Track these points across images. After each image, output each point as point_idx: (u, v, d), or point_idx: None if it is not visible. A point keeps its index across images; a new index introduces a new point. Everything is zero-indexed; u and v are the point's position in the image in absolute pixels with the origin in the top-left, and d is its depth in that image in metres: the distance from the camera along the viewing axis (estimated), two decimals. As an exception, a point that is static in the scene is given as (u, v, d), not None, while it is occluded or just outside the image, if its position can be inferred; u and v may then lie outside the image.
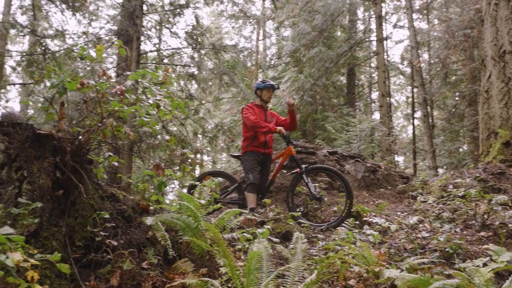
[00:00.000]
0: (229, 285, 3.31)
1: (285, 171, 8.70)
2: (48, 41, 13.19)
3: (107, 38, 14.71)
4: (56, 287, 2.71)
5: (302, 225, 6.29)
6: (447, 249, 4.46)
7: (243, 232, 4.64)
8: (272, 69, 22.83)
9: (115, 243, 3.32)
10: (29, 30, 12.08)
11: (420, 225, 5.89)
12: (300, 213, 6.74)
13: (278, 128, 6.83)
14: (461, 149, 21.20)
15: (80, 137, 3.81)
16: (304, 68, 18.43)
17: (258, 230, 4.70)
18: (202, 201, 4.54)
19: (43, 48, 12.19)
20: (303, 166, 6.91)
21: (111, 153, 4.74)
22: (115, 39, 14.13)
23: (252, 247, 3.59)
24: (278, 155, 7.32)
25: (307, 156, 9.77)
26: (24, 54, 12.59)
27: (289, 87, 17.63)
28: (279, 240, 5.19)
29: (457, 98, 21.81)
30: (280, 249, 4.31)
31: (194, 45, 15.99)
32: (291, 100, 7.07)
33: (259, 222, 5.88)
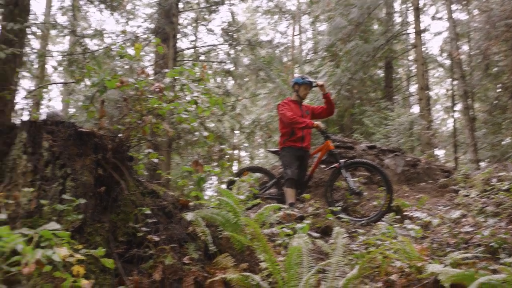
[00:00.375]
0: (270, 280, 3.31)
1: (323, 166, 8.65)
2: (87, 40, 13.43)
3: (144, 36, 14.90)
4: (101, 282, 2.76)
5: (342, 220, 6.24)
6: (491, 244, 4.35)
7: (282, 227, 4.64)
8: (308, 64, 22.69)
9: (157, 239, 3.36)
10: (69, 30, 12.33)
11: (463, 220, 5.77)
12: (339, 208, 6.70)
13: (316, 123, 6.79)
14: (503, 142, 20.65)
15: (121, 134, 3.86)
16: (341, 62, 18.27)
17: (297, 225, 4.69)
18: (241, 197, 4.55)
19: (82, 47, 12.42)
20: (342, 160, 6.86)
21: (151, 150, 4.79)
22: (153, 37, 14.30)
23: (292, 242, 3.57)
24: (316, 150, 7.28)
25: (345, 151, 9.70)
26: (65, 54, 12.86)
27: (325, 82, 17.50)
28: (319, 235, 5.17)
29: (499, 90, 21.22)
30: (320, 244, 4.28)
31: (230, 41, 16.05)
32: (319, 82, 7.06)
33: (298, 217, 5.87)
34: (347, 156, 9.31)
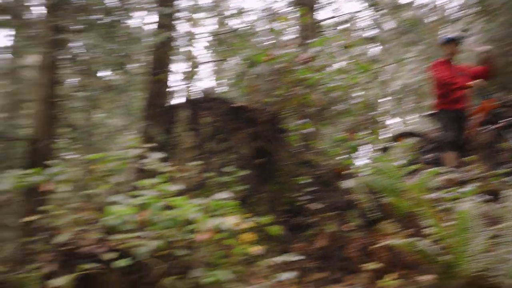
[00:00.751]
0: (438, 245, 3.17)
1: (484, 127, 8.12)
2: (231, 20, 13.83)
3: (284, 10, 14.95)
4: (268, 248, 2.84)
5: (509, 183, 5.81)
6: None
7: (446, 192, 4.42)
8: (458, 22, 21.29)
9: (317, 207, 3.37)
10: (213, 11, 12.79)
11: None
12: (505, 170, 6.24)
13: (471, 82, 6.36)
14: None
15: (272, 107, 3.92)
16: (494, 17, 16.87)
17: (461, 189, 4.44)
18: (399, 163, 4.42)
19: (227, 27, 12.83)
20: (504, 120, 6.38)
21: (302, 121, 4.80)
22: (294, 9, 14.34)
23: (459, 206, 3.39)
24: (475, 110, 6.83)
25: (507, 110, 8.99)
26: (212, 34, 13.40)
27: (478, 40, 16.32)
28: (486, 198, 4.86)
29: None
30: (489, 208, 4.02)
31: (371, 6, 15.57)
32: (483, 48, 6.58)
33: (461, 181, 5.56)
34: (510, 115, 8.62)
